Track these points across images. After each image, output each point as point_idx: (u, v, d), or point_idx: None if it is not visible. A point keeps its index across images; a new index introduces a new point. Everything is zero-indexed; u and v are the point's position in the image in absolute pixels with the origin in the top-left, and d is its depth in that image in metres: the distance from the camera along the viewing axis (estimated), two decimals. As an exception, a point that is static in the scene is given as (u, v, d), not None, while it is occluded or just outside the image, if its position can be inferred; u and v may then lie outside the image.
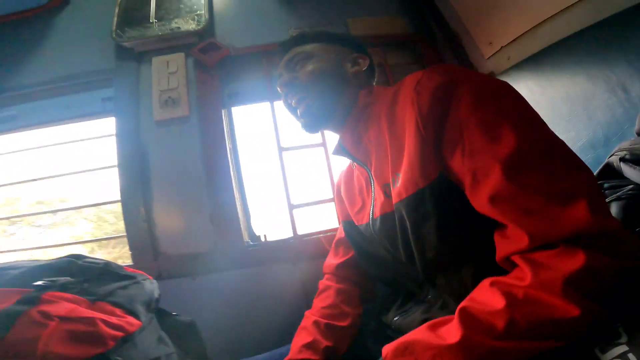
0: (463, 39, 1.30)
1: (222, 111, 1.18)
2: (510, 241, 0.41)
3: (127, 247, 1.07)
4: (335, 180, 0.94)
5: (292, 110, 0.76)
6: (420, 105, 0.52)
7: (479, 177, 0.44)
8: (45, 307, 0.55)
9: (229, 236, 1.07)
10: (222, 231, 1.07)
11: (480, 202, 0.45)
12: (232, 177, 1.13)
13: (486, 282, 0.43)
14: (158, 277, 1.02)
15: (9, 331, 0.51)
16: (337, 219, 0.96)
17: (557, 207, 0.37)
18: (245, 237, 1.12)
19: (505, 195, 0.41)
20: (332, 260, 0.88)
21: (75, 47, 1.28)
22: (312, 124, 0.73)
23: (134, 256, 1.06)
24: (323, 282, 0.87)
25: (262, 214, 1.22)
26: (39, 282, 0.60)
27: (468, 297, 0.44)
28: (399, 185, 0.57)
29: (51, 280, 0.61)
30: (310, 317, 0.79)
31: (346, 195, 0.83)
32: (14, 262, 0.71)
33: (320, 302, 0.81)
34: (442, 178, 0.50)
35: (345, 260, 0.85)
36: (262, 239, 1.14)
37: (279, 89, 0.78)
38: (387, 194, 0.62)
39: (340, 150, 0.76)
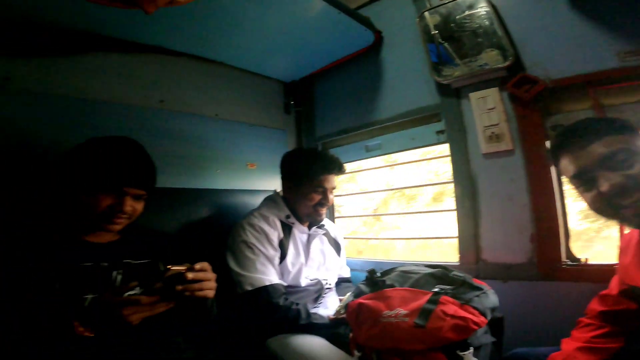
0: None
1: (547, 143, 1.30)
2: None
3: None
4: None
5: (616, 210, 0.79)
6: None
7: None
8: (443, 307, 0.97)
9: (547, 253, 1.28)
10: (540, 249, 1.30)
11: None
12: (558, 204, 1.30)
13: None
14: (476, 277, 1.36)
15: (428, 322, 0.96)
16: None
17: None
18: (563, 257, 1.28)
19: None
20: (596, 307, 1.00)
21: (403, 84, 1.71)
22: None
23: (460, 257, 1.48)
24: (584, 320, 1.01)
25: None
26: (436, 289, 1.04)
27: None
28: None
29: (441, 288, 1.04)
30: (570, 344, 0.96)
31: None
32: (409, 267, 1.22)
33: (579, 334, 0.97)
34: None
35: (611, 311, 0.96)
36: (583, 261, 1.26)
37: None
38: None
39: None
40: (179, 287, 0.79)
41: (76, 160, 0.98)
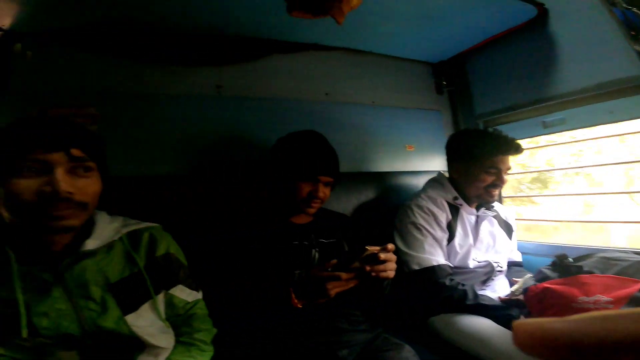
0: None
1: None
2: None
3: None
4: None
5: None
6: None
7: None
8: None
9: None
10: None
11: None
12: None
13: None
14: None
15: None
16: None
17: None
18: None
19: None
20: None
21: (587, 55, 1.49)
22: None
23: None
24: None
25: None
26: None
27: None
28: None
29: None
30: None
31: None
32: (612, 253, 1.10)
33: None
34: None
35: None
36: None
37: None
38: None
39: None
40: (368, 268, 0.91)
41: (282, 154, 1.22)
